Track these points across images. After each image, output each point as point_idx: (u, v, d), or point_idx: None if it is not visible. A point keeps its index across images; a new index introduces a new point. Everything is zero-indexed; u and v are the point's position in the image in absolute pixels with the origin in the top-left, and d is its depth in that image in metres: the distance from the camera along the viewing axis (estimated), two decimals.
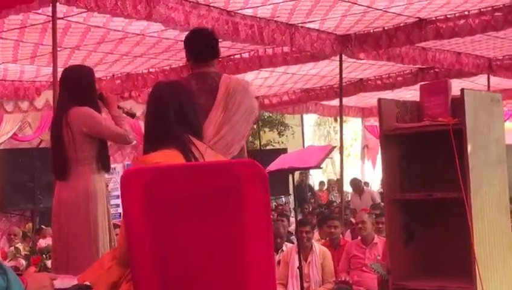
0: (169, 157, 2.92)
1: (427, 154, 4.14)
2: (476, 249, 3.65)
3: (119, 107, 4.76)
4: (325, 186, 16.76)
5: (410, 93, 11.38)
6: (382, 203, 10.78)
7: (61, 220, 4.45)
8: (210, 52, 4.03)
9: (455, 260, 3.97)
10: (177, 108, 3.06)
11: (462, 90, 3.78)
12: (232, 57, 8.95)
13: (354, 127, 19.26)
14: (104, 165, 4.53)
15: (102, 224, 4.43)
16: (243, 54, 8.92)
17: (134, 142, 4.82)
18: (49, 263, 5.51)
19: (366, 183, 16.61)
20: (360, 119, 17.13)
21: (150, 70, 9.69)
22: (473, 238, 3.65)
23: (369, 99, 13.55)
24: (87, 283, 3.87)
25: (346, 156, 17.86)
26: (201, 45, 4.04)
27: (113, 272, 2.91)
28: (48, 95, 9.72)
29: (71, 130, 4.39)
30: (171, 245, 2.61)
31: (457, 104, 3.82)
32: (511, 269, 4.07)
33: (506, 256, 4.04)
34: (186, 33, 4.25)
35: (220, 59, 8.93)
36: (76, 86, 4.48)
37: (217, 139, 3.61)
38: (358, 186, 12.87)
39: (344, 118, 14.54)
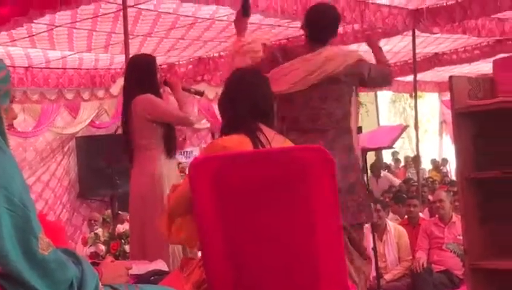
0: (237, 142, 2.97)
1: (502, 131, 4.01)
2: None
3: (184, 89, 4.85)
4: (401, 164, 16.53)
5: (488, 66, 11.03)
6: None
7: (134, 206, 4.61)
8: None
9: None
10: (248, 96, 3.14)
11: None
12: (302, 37, 8.86)
13: (430, 102, 18.86)
14: (169, 150, 4.61)
15: None
16: None
17: (197, 125, 4.96)
18: (127, 247, 5.63)
19: (445, 160, 16.29)
20: (436, 94, 16.76)
21: (221, 54, 9.72)
22: None
23: (445, 73, 13.18)
24: (163, 268, 3.96)
25: (423, 132, 17.54)
26: None
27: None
28: (122, 82, 9.86)
29: (136, 118, 4.53)
30: (241, 233, 2.63)
31: None
32: None
33: None
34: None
35: (290, 39, 8.96)
36: (138, 75, 4.63)
37: None
38: (377, 169, 12.64)
39: (420, 93, 14.29)
